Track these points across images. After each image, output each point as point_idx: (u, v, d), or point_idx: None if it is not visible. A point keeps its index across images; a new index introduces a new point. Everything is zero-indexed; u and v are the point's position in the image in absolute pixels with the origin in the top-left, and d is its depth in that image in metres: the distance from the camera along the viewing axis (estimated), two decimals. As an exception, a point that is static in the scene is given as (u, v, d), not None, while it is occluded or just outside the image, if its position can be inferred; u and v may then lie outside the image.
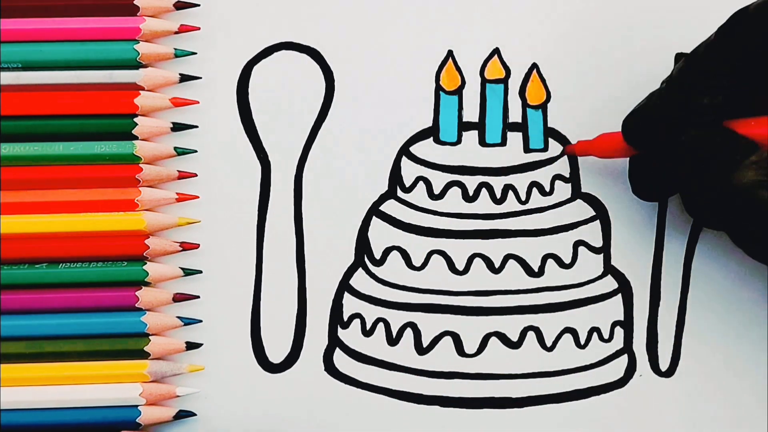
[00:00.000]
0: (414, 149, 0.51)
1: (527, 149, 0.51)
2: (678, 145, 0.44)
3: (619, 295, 0.51)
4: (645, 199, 0.49)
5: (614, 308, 0.51)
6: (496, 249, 0.51)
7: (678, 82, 0.45)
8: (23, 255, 0.49)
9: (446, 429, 0.51)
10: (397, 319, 0.51)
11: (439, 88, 0.51)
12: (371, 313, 0.51)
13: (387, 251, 0.51)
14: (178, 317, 0.50)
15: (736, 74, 0.43)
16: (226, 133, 0.51)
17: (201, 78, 0.50)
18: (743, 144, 0.43)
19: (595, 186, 0.51)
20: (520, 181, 0.51)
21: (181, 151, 0.50)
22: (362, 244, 0.51)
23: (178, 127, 0.50)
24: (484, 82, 0.51)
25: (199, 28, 0.50)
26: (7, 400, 0.49)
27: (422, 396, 0.51)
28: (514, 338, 0.51)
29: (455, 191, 0.51)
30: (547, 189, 0.51)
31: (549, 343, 0.51)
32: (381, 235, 0.51)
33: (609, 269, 0.51)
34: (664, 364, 0.51)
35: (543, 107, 0.51)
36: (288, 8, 0.51)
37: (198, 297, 0.50)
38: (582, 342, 0.51)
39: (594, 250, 0.51)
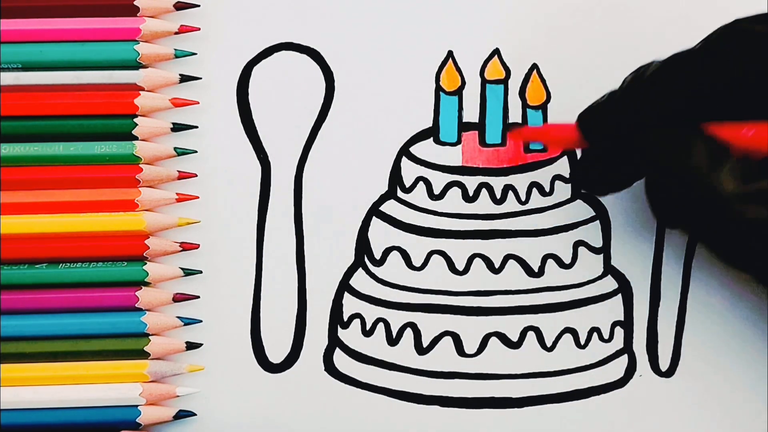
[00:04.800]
0: (414, 149, 0.51)
1: (527, 149, 0.51)
2: (644, 144, 0.44)
3: (619, 295, 0.51)
4: (594, 193, 0.49)
5: (614, 308, 0.51)
6: (496, 249, 0.51)
7: (651, 81, 0.44)
8: (23, 255, 0.49)
9: (446, 429, 0.51)
10: (397, 319, 0.51)
11: (439, 89, 0.51)
12: (371, 313, 0.51)
13: (387, 251, 0.51)
14: (178, 317, 0.50)
15: (715, 84, 0.43)
16: (226, 133, 0.51)
17: (201, 78, 0.50)
18: (718, 148, 0.43)
19: (595, 186, 0.51)
20: (520, 181, 0.51)
21: (181, 152, 0.50)
22: (362, 244, 0.51)
23: (178, 127, 0.50)
24: (484, 82, 0.51)
25: (199, 29, 0.50)
26: (7, 400, 0.49)
27: (422, 396, 0.51)
28: (514, 338, 0.51)
29: (455, 191, 0.51)
30: (547, 189, 0.51)
31: (549, 343, 0.51)
32: (381, 236, 0.51)
33: (609, 269, 0.51)
34: (664, 364, 0.51)
35: (543, 107, 0.51)
36: (288, 8, 0.51)
37: (198, 297, 0.50)
38: (582, 342, 0.51)
39: (594, 250, 0.51)
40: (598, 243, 0.51)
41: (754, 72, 0.42)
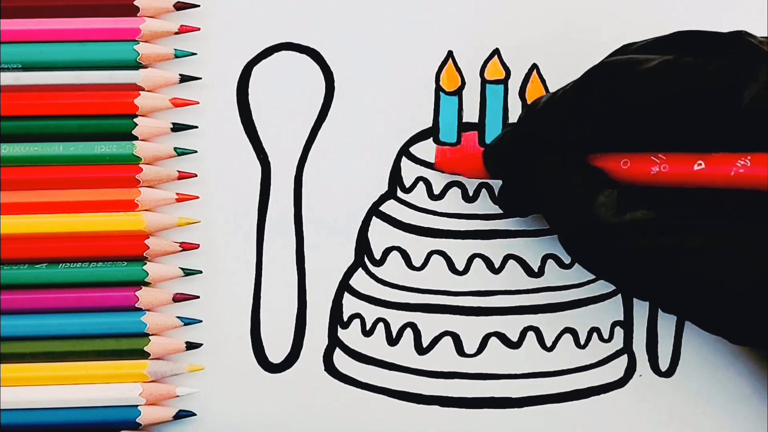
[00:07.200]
0: (414, 149, 0.51)
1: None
2: (532, 174, 0.46)
3: (619, 295, 0.51)
4: (513, 215, 0.50)
5: (614, 308, 0.51)
6: (495, 249, 0.51)
7: (537, 117, 0.46)
8: (23, 255, 0.49)
9: (446, 429, 0.51)
10: (397, 319, 0.51)
11: (439, 89, 0.51)
12: (371, 313, 0.51)
13: (387, 251, 0.51)
14: (178, 317, 0.50)
15: (587, 122, 0.44)
16: (226, 133, 0.51)
17: (201, 78, 0.50)
18: (595, 178, 0.44)
19: (595, 186, 0.51)
20: (520, 181, 0.51)
21: (181, 152, 0.50)
22: (362, 244, 0.51)
23: (178, 127, 0.50)
24: (484, 82, 0.51)
25: (199, 29, 0.50)
26: (7, 400, 0.49)
27: (422, 396, 0.51)
28: (514, 338, 0.51)
29: (455, 191, 0.51)
30: (547, 189, 0.51)
31: (549, 343, 0.51)
32: (381, 236, 0.51)
33: (609, 269, 0.51)
34: (664, 364, 0.51)
35: (543, 107, 0.51)
36: (288, 8, 0.51)
37: (198, 297, 0.50)
38: (582, 342, 0.51)
39: (594, 250, 0.51)
40: (598, 243, 0.51)
41: (620, 108, 0.43)
